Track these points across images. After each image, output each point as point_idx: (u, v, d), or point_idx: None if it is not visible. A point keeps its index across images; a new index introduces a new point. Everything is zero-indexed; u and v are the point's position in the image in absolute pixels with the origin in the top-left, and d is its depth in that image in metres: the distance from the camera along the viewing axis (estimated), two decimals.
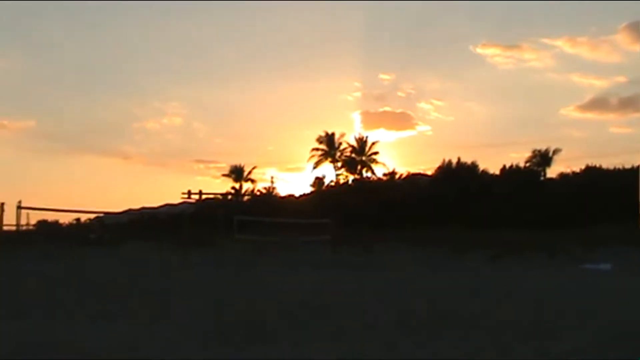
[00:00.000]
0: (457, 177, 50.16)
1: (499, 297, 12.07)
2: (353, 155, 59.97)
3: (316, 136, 61.35)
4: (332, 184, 60.76)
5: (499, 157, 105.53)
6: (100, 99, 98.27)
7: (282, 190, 68.39)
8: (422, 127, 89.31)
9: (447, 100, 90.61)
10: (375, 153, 59.73)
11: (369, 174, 59.91)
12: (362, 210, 46.16)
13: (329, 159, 60.67)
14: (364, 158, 59.68)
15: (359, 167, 59.63)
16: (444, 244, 28.83)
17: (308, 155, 61.49)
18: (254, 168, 65.88)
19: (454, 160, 53.15)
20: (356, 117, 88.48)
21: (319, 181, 62.35)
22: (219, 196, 56.12)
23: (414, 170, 63.47)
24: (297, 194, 65.96)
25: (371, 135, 68.29)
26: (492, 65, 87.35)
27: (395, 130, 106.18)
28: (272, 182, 67.28)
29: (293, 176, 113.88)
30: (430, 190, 50.08)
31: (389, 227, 38.71)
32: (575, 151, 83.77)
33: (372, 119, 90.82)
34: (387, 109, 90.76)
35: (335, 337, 7.39)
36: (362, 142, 60.46)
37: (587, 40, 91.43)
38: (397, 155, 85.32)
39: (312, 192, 62.36)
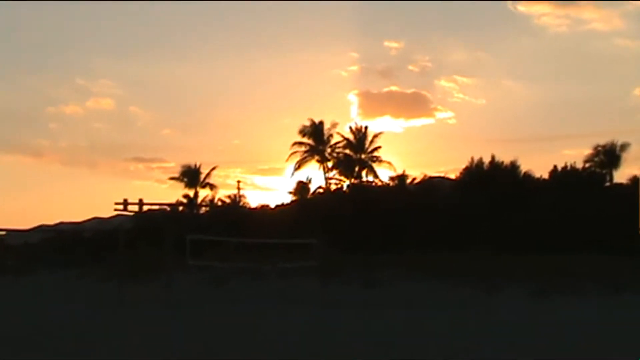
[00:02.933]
0: (490, 182, 50.38)
1: (547, 346, 12.15)
2: (348, 151, 60.16)
3: (299, 126, 61.45)
4: (321, 190, 60.87)
5: (548, 155, 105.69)
6: (1, 75, 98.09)
7: (252, 200, 68.66)
8: (443, 114, 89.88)
9: (477, 77, 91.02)
10: (378, 148, 59.99)
11: (370, 178, 60.14)
12: (361, 226, 46.29)
13: (317, 158, 60.67)
14: (363, 156, 59.79)
15: (356, 168, 59.73)
16: (471, 273, 28.92)
17: (288, 152, 61.64)
18: (213, 169, 65.77)
19: (486, 159, 53.39)
20: (353, 99, 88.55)
21: (302, 187, 62.48)
22: (165, 207, 56.08)
23: (431, 172, 63.71)
24: (272, 205, 66.11)
25: (373, 125, 68.34)
26: (539, 29, 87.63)
27: (405, 118, 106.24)
28: (238, 188, 67.29)
29: (267, 180, 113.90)
30: (453, 200, 50.28)
31: (396, 250, 38.78)
32: None
33: (374, 103, 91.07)
34: (394, 88, 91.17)
35: None
36: (360, 134, 60.62)
37: None
38: (408, 152, 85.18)
39: (293, 202, 62.44)
